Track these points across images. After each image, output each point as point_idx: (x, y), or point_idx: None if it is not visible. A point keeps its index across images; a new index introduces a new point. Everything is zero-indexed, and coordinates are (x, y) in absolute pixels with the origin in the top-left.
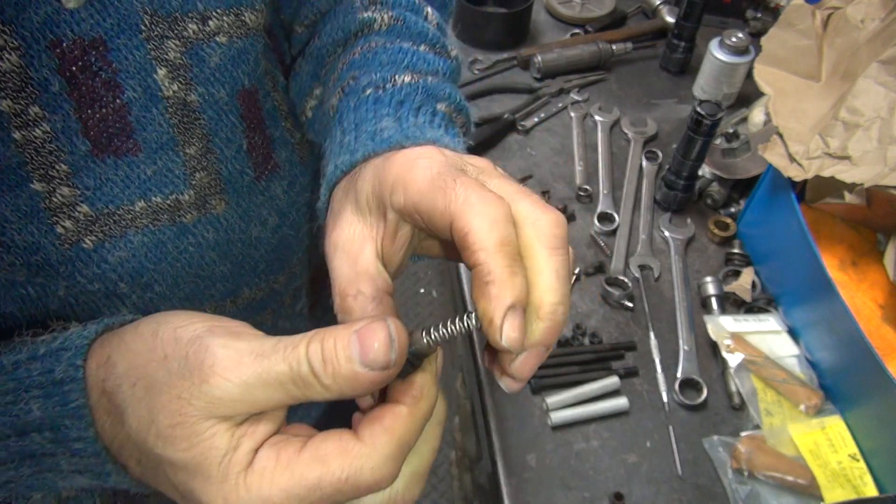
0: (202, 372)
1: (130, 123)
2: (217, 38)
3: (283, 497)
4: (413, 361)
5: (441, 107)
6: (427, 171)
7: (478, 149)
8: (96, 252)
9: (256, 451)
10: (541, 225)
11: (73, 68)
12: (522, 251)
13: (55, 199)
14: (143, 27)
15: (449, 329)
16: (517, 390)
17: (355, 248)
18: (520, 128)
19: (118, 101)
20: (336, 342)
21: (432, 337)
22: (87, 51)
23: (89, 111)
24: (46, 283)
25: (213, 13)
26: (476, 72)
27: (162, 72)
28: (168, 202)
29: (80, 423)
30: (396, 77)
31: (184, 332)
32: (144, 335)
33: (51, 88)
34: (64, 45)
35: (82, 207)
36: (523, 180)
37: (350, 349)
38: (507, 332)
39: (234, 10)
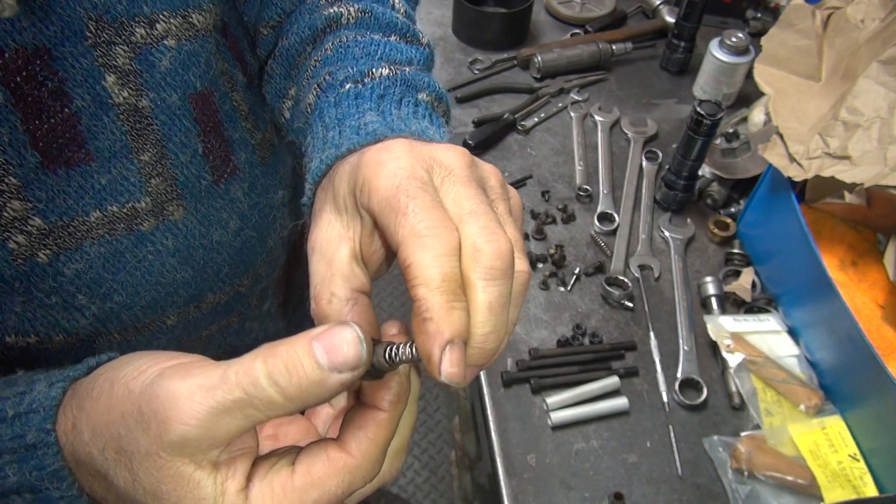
0: (158, 422)
1: (81, 133)
2: (165, 42)
3: None
4: (374, 373)
5: (423, 96)
6: (390, 180)
7: (478, 149)
8: (51, 265)
9: (246, 488)
10: (480, 256)
11: (17, 79)
12: (462, 280)
13: (6, 214)
14: (88, 34)
15: (405, 352)
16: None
17: (331, 249)
18: (520, 128)
19: (66, 110)
20: (297, 350)
21: (394, 355)
22: (31, 60)
23: (37, 122)
24: (1, 300)
25: (160, 16)
26: (476, 72)
27: (111, 78)
28: (124, 211)
29: (62, 484)
30: (374, 70)
31: (134, 383)
32: (99, 398)
33: None
34: (6, 55)
35: (35, 221)
36: (523, 180)
37: (315, 354)
38: (446, 368)
39: (181, 12)
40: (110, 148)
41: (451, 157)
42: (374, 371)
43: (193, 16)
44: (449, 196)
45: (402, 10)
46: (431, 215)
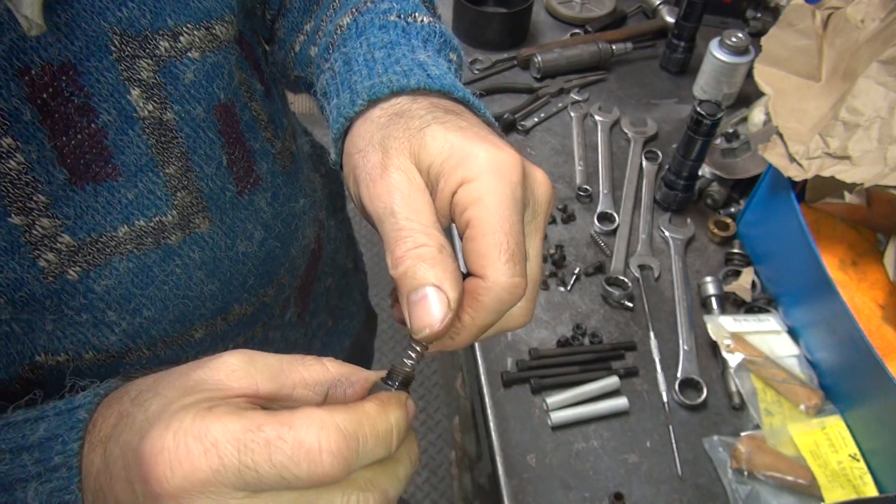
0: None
1: (107, 148)
2: (189, 54)
3: (222, 433)
4: (398, 387)
5: (453, 56)
6: (500, 202)
7: None
8: (82, 283)
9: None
10: (508, 319)
11: (44, 95)
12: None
13: (35, 232)
14: (113, 48)
15: (412, 355)
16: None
17: (420, 202)
18: (520, 128)
19: (93, 125)
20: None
21: (408, 364)
22: (57, 76)
23: (64, 138)
24: (32, 319)
25: (184, 28)
26: (476, 72)
27: (136, 92)
28: (151, 225)
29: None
30: (417, 14)
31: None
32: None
33: (22, 118)
34: (32, 71)
35: (64, 238)
36: None
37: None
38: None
39: (204, 23)
40: (136, 162)
41: (543, 192)
42: (401, 386)
43: (216, 27)
44: (530, 243)
45: None
46: (518, 268)
